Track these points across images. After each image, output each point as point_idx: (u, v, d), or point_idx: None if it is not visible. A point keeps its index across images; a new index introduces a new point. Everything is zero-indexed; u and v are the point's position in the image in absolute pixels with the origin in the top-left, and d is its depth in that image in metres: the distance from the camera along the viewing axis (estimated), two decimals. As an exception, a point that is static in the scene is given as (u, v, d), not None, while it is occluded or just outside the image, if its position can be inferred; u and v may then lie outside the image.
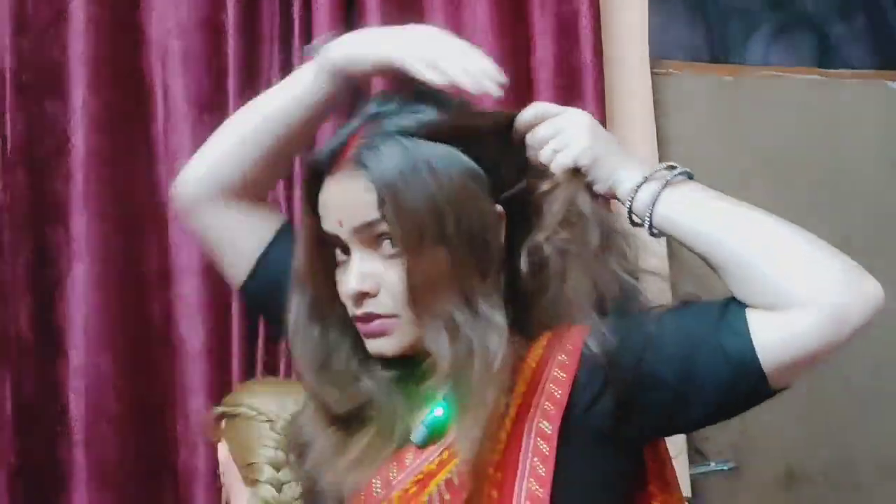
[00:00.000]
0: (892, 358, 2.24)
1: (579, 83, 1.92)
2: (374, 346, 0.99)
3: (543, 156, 0.99)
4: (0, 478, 1.69)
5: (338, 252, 1.00)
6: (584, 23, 1.90)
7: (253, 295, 1.13)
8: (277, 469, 1.41)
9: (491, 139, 0.98)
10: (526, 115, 1.00)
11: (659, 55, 2.10)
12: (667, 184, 0.96)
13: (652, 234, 0.97)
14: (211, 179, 1.08)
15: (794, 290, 0.89)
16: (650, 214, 0.96)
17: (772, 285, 0.90)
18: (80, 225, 1.72)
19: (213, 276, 1.76)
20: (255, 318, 1.78)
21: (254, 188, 1.09)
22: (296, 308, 1.02)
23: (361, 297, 0.96)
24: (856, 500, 2.23)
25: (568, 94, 1.91)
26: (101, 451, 1.71)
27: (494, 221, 0.97)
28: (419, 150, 0.94)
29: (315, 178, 0.99)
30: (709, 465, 2.11)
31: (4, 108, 1.71)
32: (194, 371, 1.76)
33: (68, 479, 1.71)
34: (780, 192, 2.20)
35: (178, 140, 1.77)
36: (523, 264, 0.97)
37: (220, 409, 1.51)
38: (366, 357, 1.02)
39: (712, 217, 0.95)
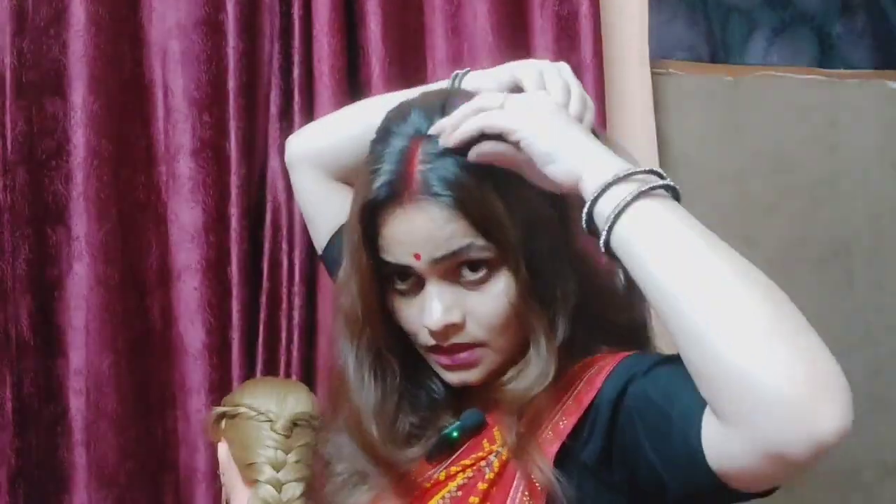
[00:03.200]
0: (892, 358, 2.24)
1: (579, 83, 1.91)
2: (457, 377, 0.95)
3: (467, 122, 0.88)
4: (0, 478, 1.69)
5: (396, 281, 0.94)
6: (584, 23, 1.90)
7: (328, 261, 1.15)
8: (277, 469, 1.41)
9: None
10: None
11: (659, 55, 2.10)
12: (640, 194, 0.76)
13: (607, 254, 0.79)
14: (321, 155, 1.13)
15: (724, 406, 0.70)
16: (609, 227, 0.77)
17: (705, 384, 0.71)
18: (80, 225, 1.71)
19: (212, 275, 1.77)
20: (254, 317, 1.79)
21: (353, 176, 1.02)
22: (352, 353, 0.97)
23: (447, 329, 0.91)
24: (856, 500, 2.23)
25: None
26: (101, 451, 1.71)
27: (555, 225, 0.93)
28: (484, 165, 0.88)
29: (373, 214, 0.91)
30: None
31: (4, 108, 1.70)
32: (194, 371, 1.76)
33: (68, 479, 1.71)
34: (780, 192, 2.20)
35: (178, 140, 1.77)
36: (573, 276, 0.92)
37: (220, 409, 1.51)
38: (429, 415, 0.98)
39: (672, 258, 0.74)
